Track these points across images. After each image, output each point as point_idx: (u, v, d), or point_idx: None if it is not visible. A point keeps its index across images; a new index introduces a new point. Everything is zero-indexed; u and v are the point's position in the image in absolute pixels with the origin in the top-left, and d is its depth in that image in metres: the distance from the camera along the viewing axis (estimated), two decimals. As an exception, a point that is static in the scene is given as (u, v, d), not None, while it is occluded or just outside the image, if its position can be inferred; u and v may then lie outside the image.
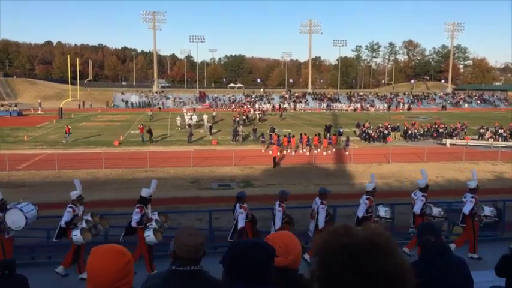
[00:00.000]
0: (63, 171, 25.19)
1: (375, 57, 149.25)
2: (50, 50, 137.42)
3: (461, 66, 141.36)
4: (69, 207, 8.74)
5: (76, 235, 8.36)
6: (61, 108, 56.53)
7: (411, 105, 79.91)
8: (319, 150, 32.56)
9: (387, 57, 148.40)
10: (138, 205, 8.72)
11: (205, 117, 48.25)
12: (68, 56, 72.21)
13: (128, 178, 24.18)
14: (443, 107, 78.60)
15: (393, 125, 41.87)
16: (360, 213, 9.49)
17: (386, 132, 38.95)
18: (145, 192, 8.87)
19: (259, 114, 55.87)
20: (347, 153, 31.42)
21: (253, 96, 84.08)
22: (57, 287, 8.51)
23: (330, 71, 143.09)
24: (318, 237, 1.34)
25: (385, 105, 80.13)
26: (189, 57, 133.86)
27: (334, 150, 32.89)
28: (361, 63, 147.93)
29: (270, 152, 29.42)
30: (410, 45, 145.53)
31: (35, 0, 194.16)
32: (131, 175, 24.83)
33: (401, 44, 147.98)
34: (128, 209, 14.93)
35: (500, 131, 38.82)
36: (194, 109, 62.76)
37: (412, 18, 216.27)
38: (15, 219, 8.50)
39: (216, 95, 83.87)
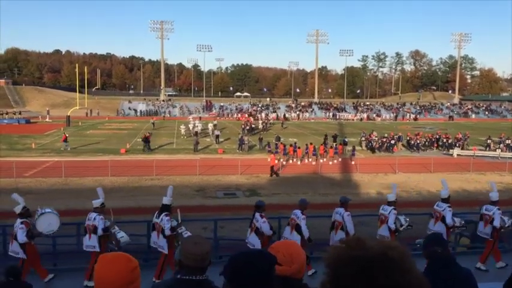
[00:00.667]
0: (70, 178, 25.32)
1: (381, 67, 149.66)
2: (58, 59, 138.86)
3: (468, 76, 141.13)
4: (98, 215, 8.81)
5: (123, 236, 8.39)
6: (69, 116, 57.06)
7: (418, 116, 79.63)
8: (325, 159, 32.51)
9: (394, 67, 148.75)
10: (165, 213, 8.74)
11: (210, 125, 48.32)
12: (77, 65, 73.12)
13: (134, 186, 24.24)
14: (451, 118, 78.28)
15: (397, 135, 41.69)
16: (392, 224, 9.51)
17: (392, 142, 38.80)
18: (166, 200, 8.92)
19: (262, 123, 55.83)
20: (353, 162, 31.33)
21: (260, 106, 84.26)
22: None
23: (336, 81, 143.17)
24: (330, 249, 1.33)
25: (392, 115, 79.97)
26: (196, 66, 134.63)
27: (340, 159, 32.81)
28: (368, 73, 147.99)
29: (276, 160, 29.33)
30: (417, 55, 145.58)
31: (45, 9, 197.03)
32: (137, 183, 24.89)
33: (408, 54, 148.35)
34: (134, 217, 14.97)
35: (508, 141, 38.51)
36: (200, 118, 62.94)
37: (419, 29, 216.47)
38: (51, 222, 8.62)
39: (222, 104, 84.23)
